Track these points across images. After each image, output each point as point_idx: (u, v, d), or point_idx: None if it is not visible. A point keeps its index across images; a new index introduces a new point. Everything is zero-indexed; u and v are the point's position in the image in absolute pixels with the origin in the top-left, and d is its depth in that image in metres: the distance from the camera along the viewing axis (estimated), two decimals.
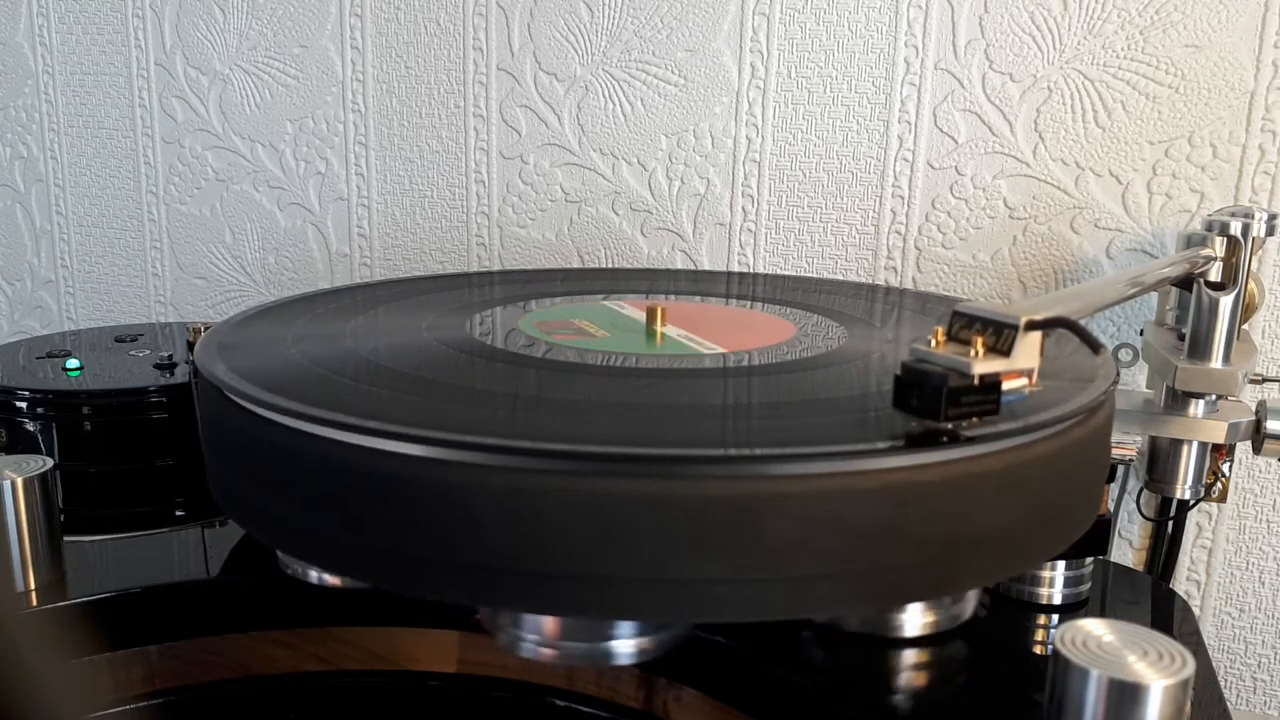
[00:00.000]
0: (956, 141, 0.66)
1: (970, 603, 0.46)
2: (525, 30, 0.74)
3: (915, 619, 0.44)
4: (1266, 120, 0.60)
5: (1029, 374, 0.34)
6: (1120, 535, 0.68)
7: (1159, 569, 0.64)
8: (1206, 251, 0.53)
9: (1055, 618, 0.48)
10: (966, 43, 0.65)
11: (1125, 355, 0.57)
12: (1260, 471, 0.64)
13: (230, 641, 0.48)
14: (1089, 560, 0.49)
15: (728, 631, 0.44)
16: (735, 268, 0.73)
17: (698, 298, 0.60)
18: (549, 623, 0.39)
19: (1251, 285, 0.54)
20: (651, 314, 0.50)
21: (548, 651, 0.40)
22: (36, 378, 0.58)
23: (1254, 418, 0.54)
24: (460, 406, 0.39)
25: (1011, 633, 0.47)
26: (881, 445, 0.33)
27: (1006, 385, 0.33)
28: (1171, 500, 0.62)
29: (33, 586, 0.46)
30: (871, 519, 0.32)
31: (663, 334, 0.49)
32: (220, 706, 0.48)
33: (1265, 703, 0.67)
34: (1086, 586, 0.49)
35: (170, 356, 0.62)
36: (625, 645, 0.39)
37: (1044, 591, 0.49)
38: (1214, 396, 0.54)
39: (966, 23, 0.65)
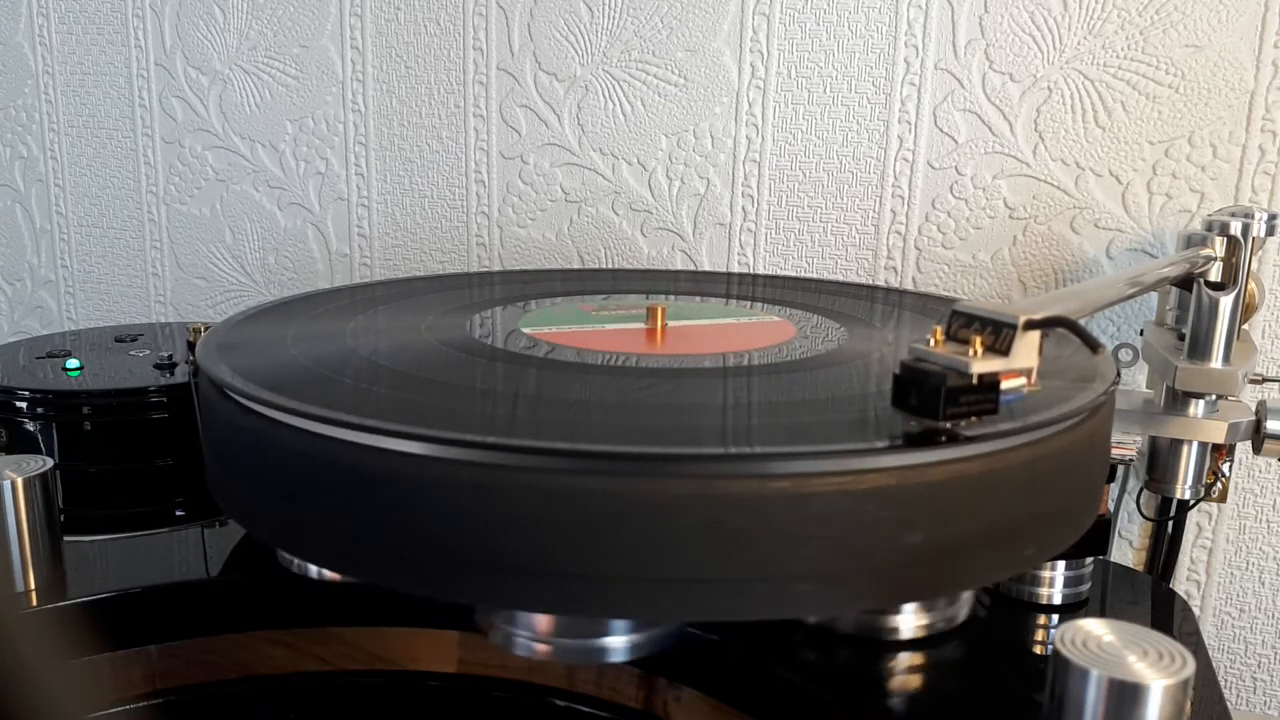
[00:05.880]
0: (956, 141, 0.66)
1: (966, 605, 0.46)
2: (525, 30, 0.74)
3: (910, 621, 0.44)
4: (1266, 120, 0.60)
5: (1028, 373, 0.34)
6: (1120, 535, 0.68)
7: (1159, 569, 0.64)
8: (1206, 251, 0.53)
9: (1055, 618, 0.48)
10: (966, 43, 0.65)
11: (1125, 355, 0.57)
12: (1260, 471, 0.64)
13: (230, 641, 0.48)
14: (1089, 560, 0.49)
15: (727, 631, 0.44)
16: (735, 268, 0.73)
17: (698, 298, 0.60)
18: (543, 619, 0.39)
19: (1251, 285, 0.54)
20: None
21: (542, 647, 0.40)
22: (36, 378, 0.58)
23: (1254, 418, 0.54)
24: (460, 406, 0.39)
25: (1011, 633, 0.47)
26: (880, 445, 0.33)
27: (1005, 385, 0.33)
28: (1171, 500, 0.61)
29: (33, 586, 0.46)
30: (870, 518, 0.32)
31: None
32: (220, 706, 0.48)
33: (1265, 703, 0.67)
34: (1086, 586, 0.49)
35: (170, 356, 0.62)
36: (619, 641, 0.39)
37: (1044, 591, 0.49)
38: (1214, 396, 0.54)
39: (966, 23, 0.65)
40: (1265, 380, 0.59)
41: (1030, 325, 0.33)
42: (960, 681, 0.43)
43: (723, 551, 0.32)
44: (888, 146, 0.68)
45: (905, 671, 0.43)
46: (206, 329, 0.49)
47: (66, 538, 0.49)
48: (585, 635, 0.39)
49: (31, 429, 0.56)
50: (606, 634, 0.39)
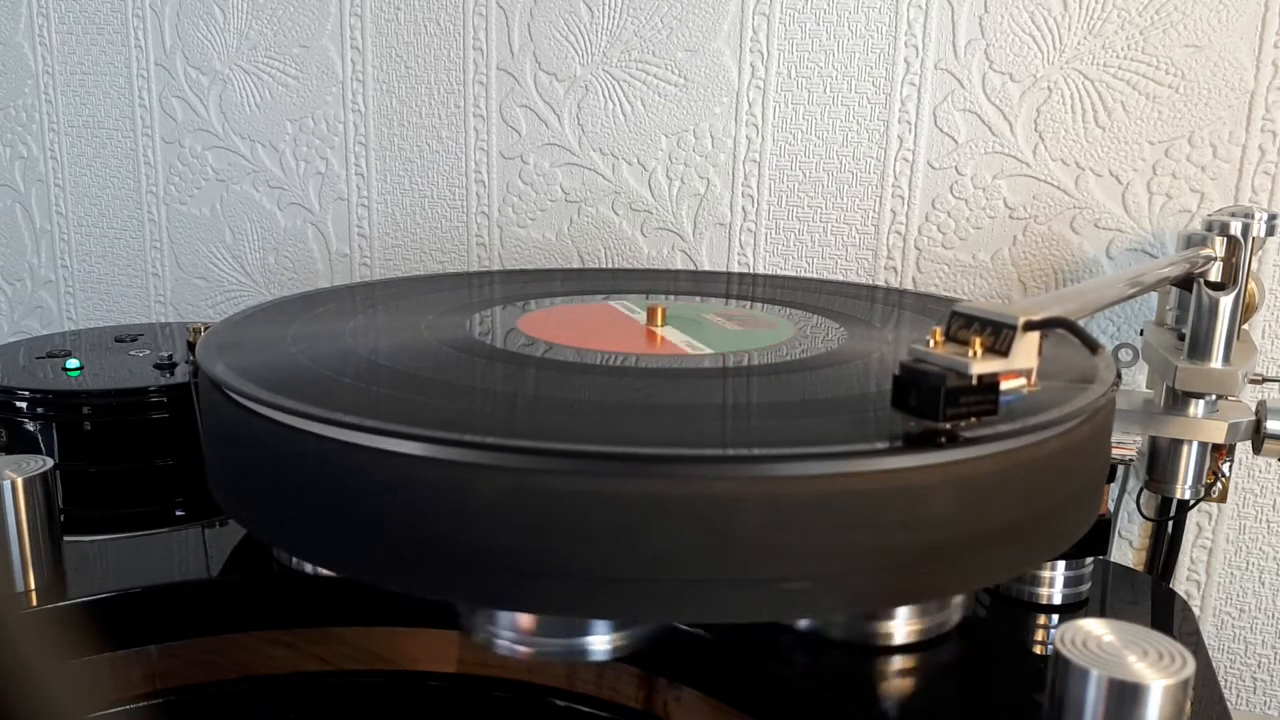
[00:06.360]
0: (956, 141, 0.66)
1: (958, 609, 0.46)
2: (525, 30, 0.74)
3: (903, 628, 0.44)
4: (1266, 120, 0.60)
5: (1027, 374, 0.34)
6: (1120, 535, 0.68)
7: (1159, 569, 0.64)
8: (1206, 251, 0.53)
9: (1055, 618, 0.48)
10: (966, 43, 0.65)
11: (1125, 355, 0.57)
12: (1260, 471, 0.64)
13: (230, 641, 0.48)
14: (1089, 560, 0.49)
15: (727, 631, 0.44)
16: (735, 268, 0.73)
17: (698, 298, 0.60)
18: (525, 619, 0.39)
19: (1251, 285, 0.54)
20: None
21: (524, 649, 0.40)
22: (36, 378, 0.58)
23: (1254, 418, 0.54)
24: (460, 406, 0.39)
25: (1011, 633, 0.47)
26: (880, 445, 0.33)
27: (1005, 385, 0.33)
28: (1171, 500, 0.62)
29: (33, 586, 0.46)
30: (870, 519, 0.32)
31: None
32: (220, 706, 0.48)
33: (1265, 703, 0.67)
34: (1086, 586, 0.49)
35: (170, 356, 0.62)
36: (601, 641, 0.39)
37: (1044, 591, 0.49)
38: (1214, 396, 0.54)
39: (966, 23, 0.65)
40: (1265, 380, 0.59)
41: (1030, 326, 0.33)
42: (961, 681, 0.43)
43: (722, 552, 0.32)
44: (888, 146, 0.68)
45: (904, 673, 0.43)
46: (206, 329, 0.50)
47: (66, 538, 0.49)
48: (567, 635, 0.39)
49: (31, 429, 0.56)
50: (588, 633, 0.39)
